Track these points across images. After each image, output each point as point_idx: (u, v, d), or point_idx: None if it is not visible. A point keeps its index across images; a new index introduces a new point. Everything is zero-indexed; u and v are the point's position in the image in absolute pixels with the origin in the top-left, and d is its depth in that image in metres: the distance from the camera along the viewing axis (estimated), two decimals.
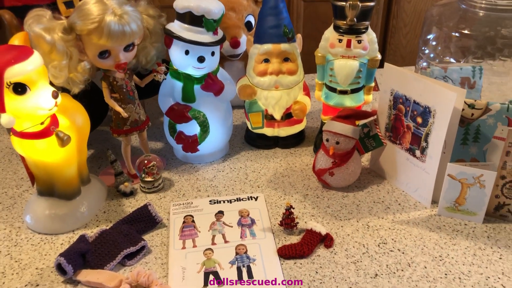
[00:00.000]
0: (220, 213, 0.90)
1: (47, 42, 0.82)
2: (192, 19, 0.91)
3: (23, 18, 0.85)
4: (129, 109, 0.94)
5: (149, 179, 0.96)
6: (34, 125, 0.76)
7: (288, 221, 0.84)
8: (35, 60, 0.73)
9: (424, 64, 1.10)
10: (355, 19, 0.91)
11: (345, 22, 0.93)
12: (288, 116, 1.07)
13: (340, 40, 0.94)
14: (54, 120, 0.80)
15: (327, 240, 0.82)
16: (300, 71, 1.03)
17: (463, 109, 0.84)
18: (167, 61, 1.00)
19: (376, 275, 0.76)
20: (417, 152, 0.90)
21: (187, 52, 0.93)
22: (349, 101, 1.00)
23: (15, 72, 0.70)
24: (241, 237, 0.84)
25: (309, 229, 0.83)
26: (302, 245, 0.80)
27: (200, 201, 0.93)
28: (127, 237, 0.81)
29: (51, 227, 0.86)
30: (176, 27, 0.93)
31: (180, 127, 1.01)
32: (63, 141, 0.79)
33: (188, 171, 1.04)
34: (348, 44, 0.93)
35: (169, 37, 0.93)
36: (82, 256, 0.77)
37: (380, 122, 0.97)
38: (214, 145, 1.05)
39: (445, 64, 1.04)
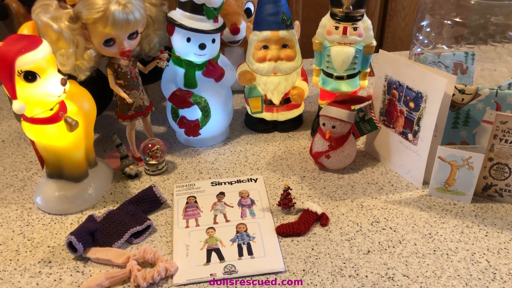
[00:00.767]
0: (221, 194, 0.94)
1: (54, 31, 0.84)
2: (193, 7, 0.93)
3: (30, 6, 0.87)
4: (134, 95, 0.97)
5: (153, 162, 1.00)
6: (43, 111, 0.79)
7: (286, 202, 0.88)
8: (44, 49, 0.76)
9: (418, 50, 1.12)
10: (351, 7, 0.94)
11: (341, 9, 0.95)
12: (286, 101, 1.09)
13: (336, 28, 0.97)
14: (62, 106, 0.83)
15: (322, 219, 0.86)
16: (298, 57, 1.06)
17: (453, 94, 0.88)
18: (169, 48, 1.03)
19: (369, 251, 0.80)
20: (410, 136, 0.94)
21: (188, 40, 0.95)
22: (345, 86, 1.03)
23: (25, 61, 0.73)
24: (241, 217, 0.88)
25: (305, 209, 0.87)
26: (299, 224, 0.84)
27: (202, 183, 0.97)
28: (134, 217, 0.85)
29: (60, 208, 0.90)
30: (177, 15, 0.95)
31: (182, 112, 1.04)
32: (71, 126, 0.82)
33: (190, 154, 1.08)
34: (344, 32, 0.96)
35: (171, 25, 0.96)
36: (91, 234, 0.81)
37: (375, 106, 1.01)
38: (215, 129, 1.08)
39: (438, 50, 1.07)
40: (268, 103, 1.10)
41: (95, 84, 0.95)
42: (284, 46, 1.03)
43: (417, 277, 0.75)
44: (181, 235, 0.84)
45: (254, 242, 0.82)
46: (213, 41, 0.97)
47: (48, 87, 0.76)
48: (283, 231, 0.83)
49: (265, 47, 1.03)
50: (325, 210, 0.89)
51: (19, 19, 0.99)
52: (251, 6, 1.22)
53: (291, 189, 0.89)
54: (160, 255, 0.78)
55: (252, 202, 0.91)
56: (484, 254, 0.79)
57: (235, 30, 1.20)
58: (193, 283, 0.75)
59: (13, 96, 0.75)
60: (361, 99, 1.00)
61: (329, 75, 1.03)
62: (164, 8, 1.00)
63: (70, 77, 0.92)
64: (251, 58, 1.05)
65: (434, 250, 0.80)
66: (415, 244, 0.81)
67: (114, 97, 1.00)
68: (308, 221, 0.85)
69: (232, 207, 0.90)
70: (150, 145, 1.00)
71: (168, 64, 0.99)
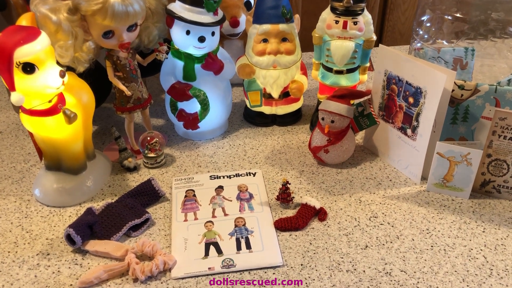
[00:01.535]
0: (220, 188, 0.94)
1: (53, 22, 0.84)
2: (193, 0, 0.93)
3: None
4: (132, 87, 0.97)
5: (151, 155, 0.99)
6: (42, 103, 0.79)
7: (284, 196, 0.88)
8: (43, 40, 0.75)
9: (418, 45, 1.12)
10: (351, 1, 0.94)
11: (341, 4, 0.95)
12: (285, 94, 1.09)
13: (336, 22, 0.97)
14: (61, 98, 0.83)
15: (321, 214, 0.86)
16: (298, 51, 1.06)
17: (453, 90, 0.88)
18: (168, 41, 1.02)
19: (367, 246, 0.81)
20: (409, 131, 0.94)
21: (188, 32, 0.95)
22: (344, 81, 1.03)
23: (24, 53, 0.72)
24: (240, 211, 0.88)
25: (304, 203, 0.87)
26: (297, 218, 0.85)
27: (200, 177, 0.97)
28: (132, 210, 0.85)
29: (59, 200, 0.90)
30: (177, 7, 0.95)
31: (181, 105, 1.04)
32: (70, 118, 0.82)
33: (189, 148, 1.08)
34: (344, 26, 0.96)
35: (171, 17, 0.95)
36: (89, 227, 0.81)
37: (374, 101, 1.01)
38: (214, 122, 1.08)
39: (438, 45, 1.07)
40: (267, 97, 1.10)
41: (94, 76, 0.95)
42: (284, 39, 1.03)
43: (415, 272, 0.76)
44: (179, 229, 0.84)
45: (253, 236, 0.82)
46: (213, 34, 0.97)
47: (46, 79, 0.76)
48: (282, 226, 0.84)
49: (265, 40, 1.03)
50: (323, 204, 0.90)
51: (18, 10, 0.99)
52: None
53: (289, 184, 0.89)
54: (159, 248, 0.78)
55: (251, 196, 0.92)
56: (481, 250, 0.80)
57: (235, 23, 1.19)
58: (191, 277, 0.75)
59: (11, 88, 0.75)
60: (360, 93, 1.00)
61: (329, 69, 1.03)
62: (163, 1, 0.99)
63: (69, 69, 0.92)
64: (251, 51, 1.05)
65: (432, 246, 0.81)
66: (413, 240, 0.82)
67: (112, 89, 1.00)
68: (307, 216, 0.85)
69: (231, 201, 0.90)
70: (148, 138, 1.00)
71: (167, 56, 0.99)
